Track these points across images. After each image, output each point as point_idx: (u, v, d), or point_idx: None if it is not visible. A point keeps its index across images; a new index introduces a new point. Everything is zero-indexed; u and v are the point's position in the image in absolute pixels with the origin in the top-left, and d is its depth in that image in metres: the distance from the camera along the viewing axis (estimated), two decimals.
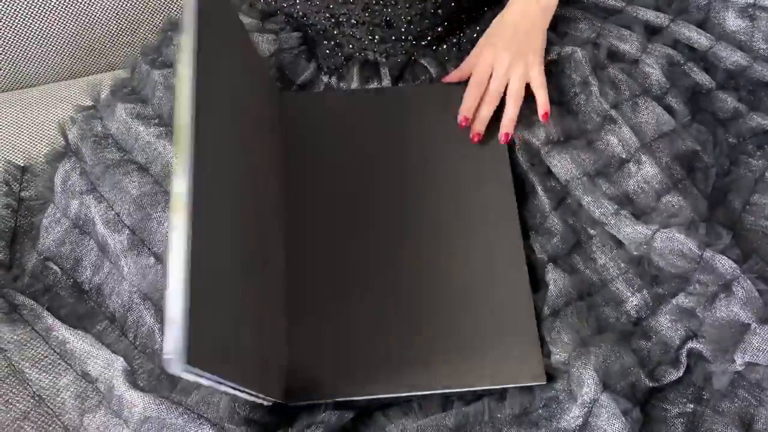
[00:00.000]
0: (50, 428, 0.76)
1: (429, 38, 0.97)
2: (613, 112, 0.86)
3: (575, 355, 0.74)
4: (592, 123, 0.87)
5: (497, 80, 0.88)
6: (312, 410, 0.76)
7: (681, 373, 0.74)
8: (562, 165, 0.84)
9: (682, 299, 0.76)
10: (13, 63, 1.10)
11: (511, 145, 0.89)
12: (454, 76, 0.93)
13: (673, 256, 0.77)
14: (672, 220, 0.79)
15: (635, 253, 0.80)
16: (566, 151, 0.85)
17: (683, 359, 0.74)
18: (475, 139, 0.88)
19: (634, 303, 0.79)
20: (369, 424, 0.76)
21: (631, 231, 0.79)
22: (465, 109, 0.89)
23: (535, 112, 0.88)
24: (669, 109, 0.88)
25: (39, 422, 0.76)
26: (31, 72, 1.12)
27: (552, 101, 0.89)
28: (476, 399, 0.76)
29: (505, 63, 0.88)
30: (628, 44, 0.91)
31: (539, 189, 0.85)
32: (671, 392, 0.75)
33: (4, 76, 1.11)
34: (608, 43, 0.92)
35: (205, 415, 0.72)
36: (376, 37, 0.96)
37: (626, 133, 0.85)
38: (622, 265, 0.80)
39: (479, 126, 0.89)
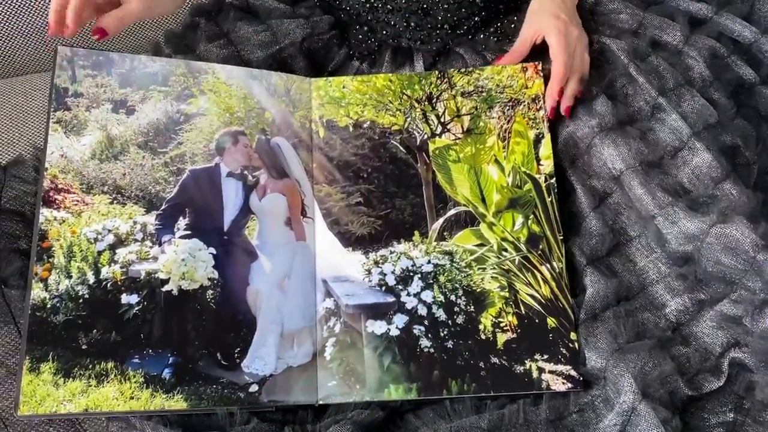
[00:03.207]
0: None
1: (465, 27, 0.95)
2: (662, 100, 0.83)
3: (613, 362, 0.72)
4: (641, 113, 0.85)
5: (580, 55, 0.86)
6: (342, 407, 0.75)
7: (722, 382, 0.72)
8: (619, 152, 0.81)
9: (726, 306, 0.73)
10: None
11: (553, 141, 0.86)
12: (512, 57, 0.89)
13: (724, 255, 0.74)
14: (730, 212, 0.75)
15: (682, 248, 0.76)
16: (621, 137, 0.82)
17: (725, 368, 0.72)
18: (568, 113, 0.86)
19: (674, 308, 0.76)
20: (400, 425, 0.75)
21: (686, 223, 0.76)
22: (557, 89, 0.85)
23: (583, 101, 0.85)
24: (712, 102, 0.85)
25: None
26: None
27: (595, 91, 0.87)
28: (510, 402, 0.74)
29: (574, 36, 0.86)
30: (670, 35, 0.89)
31: (579, 188, 0.83)
32: (711, 401, 0.73)
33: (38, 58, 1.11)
34: (650, 34, 0.89)
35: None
36: (412, 23, 0.94)
37: (677, 120, 0.82)
38: (663, 268, 0.78)
39: (569, 101, 0.86)
